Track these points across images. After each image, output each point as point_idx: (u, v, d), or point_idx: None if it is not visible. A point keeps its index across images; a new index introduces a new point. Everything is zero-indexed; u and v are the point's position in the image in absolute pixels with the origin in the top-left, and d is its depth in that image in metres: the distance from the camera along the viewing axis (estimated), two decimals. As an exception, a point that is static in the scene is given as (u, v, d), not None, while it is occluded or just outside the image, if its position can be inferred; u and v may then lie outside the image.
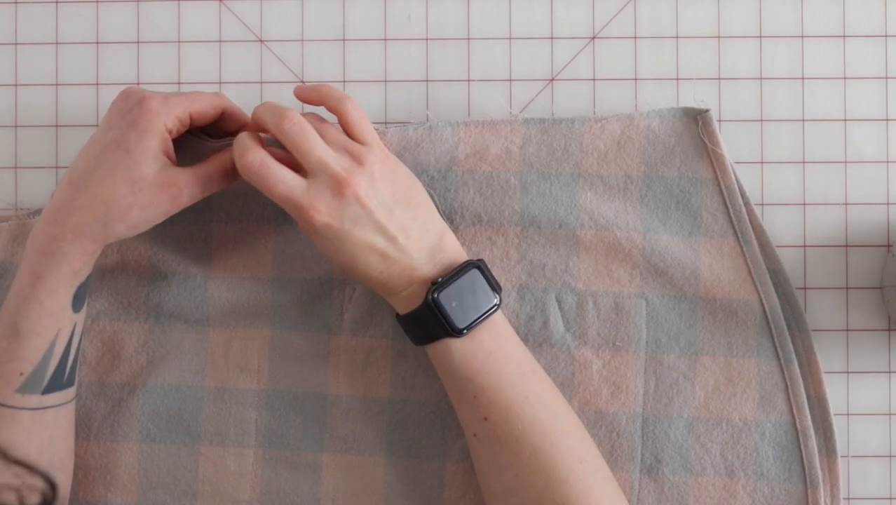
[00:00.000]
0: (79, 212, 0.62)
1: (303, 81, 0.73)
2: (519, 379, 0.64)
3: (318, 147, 0.63)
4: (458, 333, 0.63)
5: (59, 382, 0.65)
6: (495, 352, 0.64)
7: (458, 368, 0.63)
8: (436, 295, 0.63)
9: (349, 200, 0.62)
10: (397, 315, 0.66)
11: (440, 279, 0.63)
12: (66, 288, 0.63)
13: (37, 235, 0.63)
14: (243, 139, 0.63)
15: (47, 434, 0.65)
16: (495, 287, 0.65)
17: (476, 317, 0.64)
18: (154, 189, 0.62)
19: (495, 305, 0.64)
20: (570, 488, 0.62)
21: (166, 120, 0.63)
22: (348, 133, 0.65)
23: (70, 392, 0.66)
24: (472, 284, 0.64)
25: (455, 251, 0.66)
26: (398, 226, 0.64)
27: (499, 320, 0.65)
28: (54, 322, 0.63)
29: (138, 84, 0.74)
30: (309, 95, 0.66)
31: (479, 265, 0.65)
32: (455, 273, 0.64)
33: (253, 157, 0.62)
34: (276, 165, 0.62)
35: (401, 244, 0.63)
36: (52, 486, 0.66)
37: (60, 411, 0.66)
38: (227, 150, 0.66)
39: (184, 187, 0.63)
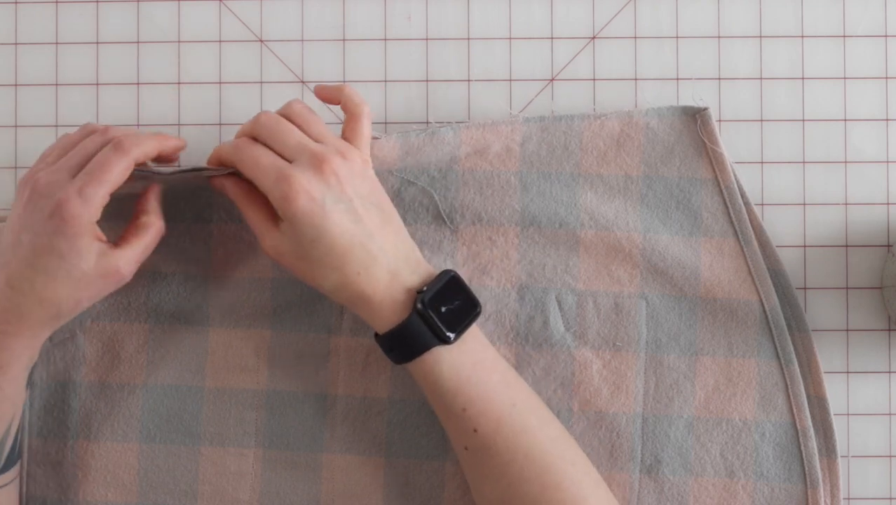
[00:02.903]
0: (29, 316, 0.62)
1: (303, 81, 0.73)
2: (505, 387, 0.63)
3: (296, 133, 0.63)
4: (448, 339, 0.62)
5: (11, 460, 0.65)
6: (481, 361, 0.64)
7: (446, 381, 0.63)
8: (426, 302, 0.62)
9: (329, 179, 0.61)
10: (377, 335, 0.64)
11: (425, 287, 0.63)
12: (24, 372, 0.64)
13: None
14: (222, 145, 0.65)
15: None
16: (473, 294, 0.65)
17: (465, 321, 0.63)
18: (98, 280, 0.62)
19: (479, 309, 0.64)
20: (565, 493, 0.62)
21: (90, 215, 0.61)
22: (347, 132, 0.65)
23: (17, 468, 0.67)
24: (455, 291, 0.64)
25: (427, 264, 0.65)
26: (375, 224, 0.63)
27: (478, 330, 0.65)
28: (12, 406, 0.64)
29: (138, 84, 0.74)
30: (331, 94, 0.66)
31: (455, 273, 0.64)
32: (438, 280, 0.63)
33: (239, 140, 0.64)
34: (262, 146, 0.63)
35: (378, 242, 0.62)
36: None
37: (10, 489, 0.66)
38: (151, 213, 0.65)
39: (124, 267, 0.63)
